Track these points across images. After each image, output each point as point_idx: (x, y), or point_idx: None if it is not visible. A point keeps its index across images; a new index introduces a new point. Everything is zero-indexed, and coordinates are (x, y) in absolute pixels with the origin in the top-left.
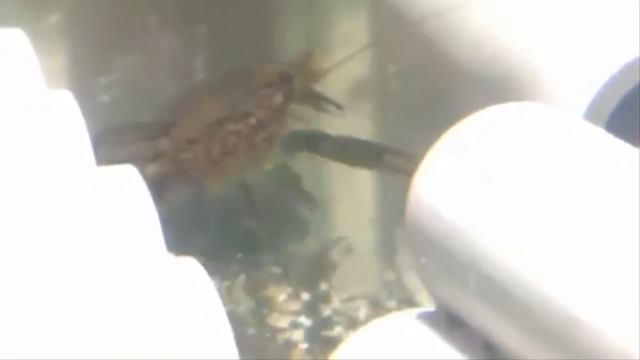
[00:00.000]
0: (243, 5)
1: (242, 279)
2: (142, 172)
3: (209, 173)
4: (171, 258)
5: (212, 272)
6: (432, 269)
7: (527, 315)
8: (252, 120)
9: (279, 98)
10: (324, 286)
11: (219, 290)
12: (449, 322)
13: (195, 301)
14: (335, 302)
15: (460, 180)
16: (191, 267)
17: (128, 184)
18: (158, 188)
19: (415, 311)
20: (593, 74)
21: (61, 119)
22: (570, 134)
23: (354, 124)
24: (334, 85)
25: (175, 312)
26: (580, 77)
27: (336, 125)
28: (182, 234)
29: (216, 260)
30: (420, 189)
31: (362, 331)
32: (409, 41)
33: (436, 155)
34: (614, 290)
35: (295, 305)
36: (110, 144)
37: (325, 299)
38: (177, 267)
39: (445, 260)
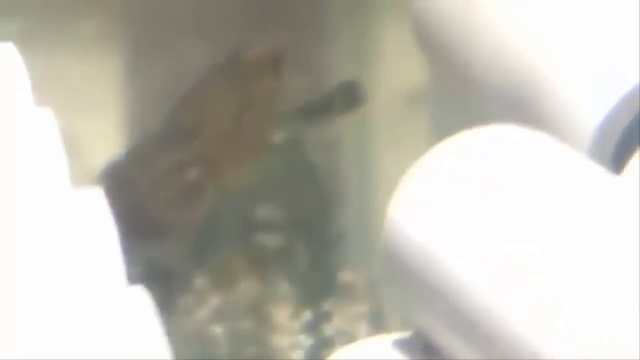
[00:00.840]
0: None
1: (244, 296)
2: (182, 180)
3: (233, 167)
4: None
5: (214, 286)
6: (406, 295)
7: (492, 348)
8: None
9: (274, 78)
10: (326, 305)
11: (221, 307)
12: (424, 349)
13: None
14: (337, 322)
15: (432, 206)
16: (138, 297)
17: (92, 208)
18: (202, 191)
19: (391, 336)
20: (606, 92)
21: (38, 137)
22: (545, 159)
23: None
24: (386, 94)
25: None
26: (592, 94)
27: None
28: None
29: (220, 276)
30: (394, 215)
31: (333, 357)
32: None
33: (410, 180)
34: (578, 328)
35: (296, 324)
36: (141, 161)
37: (327, 317)
38: (125, 296)
39: (418, 288)
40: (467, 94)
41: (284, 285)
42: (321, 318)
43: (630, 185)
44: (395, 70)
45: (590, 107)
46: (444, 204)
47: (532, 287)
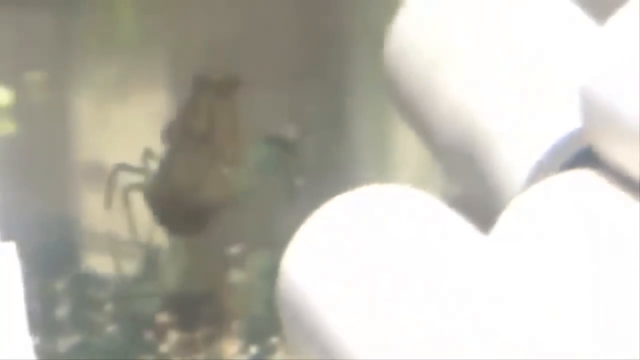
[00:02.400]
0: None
1: (201, 331)
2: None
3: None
4: None
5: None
6: (298, 342)
7: None
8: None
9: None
10: (274, 339)
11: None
12: None
13: None
14: (279, 355)
15: (320, 261)
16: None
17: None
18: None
19: None
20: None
21: None
22: (419, 218)
23: None
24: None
25: None
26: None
27: None
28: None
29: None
30: (287, 266)
31: None
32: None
33: (304, 234)
34: None
35: (242, 358)
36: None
37: (271, 351)
38: None
39: (299, 332)
40: (429, 146)
41: (235, 322)
42: (267, 351)
43: (491, 246)
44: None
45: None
46: (330, 259)
47: (383, 334)
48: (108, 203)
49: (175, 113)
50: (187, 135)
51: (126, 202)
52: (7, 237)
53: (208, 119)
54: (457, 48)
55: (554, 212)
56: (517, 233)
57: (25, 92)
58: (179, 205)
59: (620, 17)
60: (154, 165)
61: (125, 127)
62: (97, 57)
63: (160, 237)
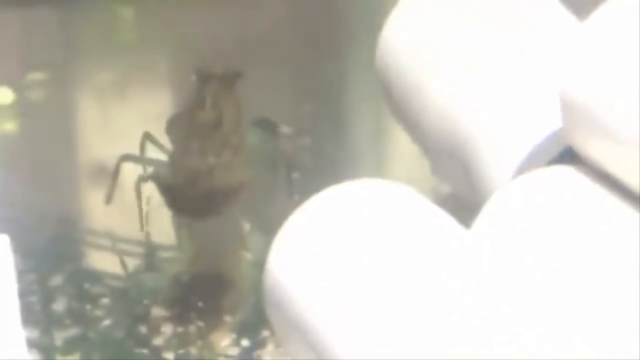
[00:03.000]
0: None
1: (194, 325)
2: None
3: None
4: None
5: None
6: (284, 336)
7: None
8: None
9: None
10: (265, 332)
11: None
12: None
13: None
14: (270, 348)
15: (302, 257)
16: None
17: None
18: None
19: None
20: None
21: None
22: (399, 212)
23: None
24: None
25: None
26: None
27: None
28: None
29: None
30: (271, 262)
31: None
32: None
33: (287, 231)
34: None
35: (234, 351)
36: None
37: (263, 344)
38: None
39: (292, 333)
40: (419, 145)
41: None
42: (258, 345)
43: (470, 239)
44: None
45: (506, 170)
46: (313, 254)
47: (364, 328)
48: (111, 193)
49: (181, 105)
50: (194, 125)
51: (138, 193)
52: (8, 233)
53: (214, 109)
54: (444, 53)
55: (530, 206)
56: (495, 226)
57: (27, 91)
58: (195, 190)
59: (596, 18)
60: (155, 155)
61: (126, 125)
62: (98, 57)
63: (163, 228)
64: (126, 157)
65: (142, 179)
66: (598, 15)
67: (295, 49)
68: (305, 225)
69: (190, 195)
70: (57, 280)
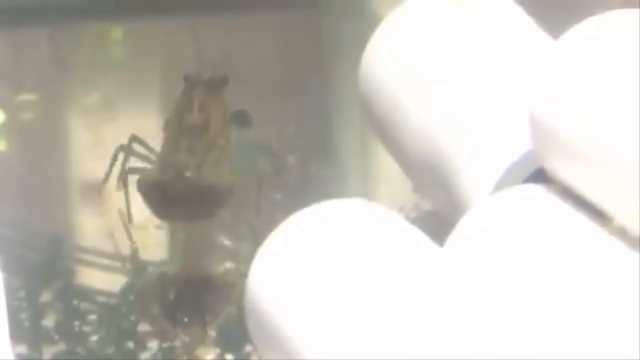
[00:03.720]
0: None
1: (179, 340)
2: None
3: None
4: None
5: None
6: (265, 352)
7: None
8: None
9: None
10: (249, 347)
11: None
12: None
13: None
14: None
15: (281, 275)
16: None
17: None
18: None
19: None
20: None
21: None
22: (375, 232)
23: None
24: None
25: None
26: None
27: None
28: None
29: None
30: (251, 280)
31: None
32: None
33: (266, 248)
34: None
35: None
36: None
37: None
38: None
39: (272, 350)
40: (400, 164)
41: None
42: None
43: (442, 259)
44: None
45: (482, 189)
46: (284, 270)
47: (340, 346)
48: (106, 180)
49: (170, 109)
50: (183, 127)
51: (125, 184)
52: None
53: (201, 112)
54: (423, 73)
55: (501, 226)
56: (465, 247)
57: (18, 112)
58: (185, 187)
59: (567, 39)
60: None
61: (116, 144)
62: (88, 76)
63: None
64: (122, 148)
65: (128, 172)
66: (569, 36)
67: (281, 68)
68: (283, 244)
69: (180, 192)
70: (46, 296)
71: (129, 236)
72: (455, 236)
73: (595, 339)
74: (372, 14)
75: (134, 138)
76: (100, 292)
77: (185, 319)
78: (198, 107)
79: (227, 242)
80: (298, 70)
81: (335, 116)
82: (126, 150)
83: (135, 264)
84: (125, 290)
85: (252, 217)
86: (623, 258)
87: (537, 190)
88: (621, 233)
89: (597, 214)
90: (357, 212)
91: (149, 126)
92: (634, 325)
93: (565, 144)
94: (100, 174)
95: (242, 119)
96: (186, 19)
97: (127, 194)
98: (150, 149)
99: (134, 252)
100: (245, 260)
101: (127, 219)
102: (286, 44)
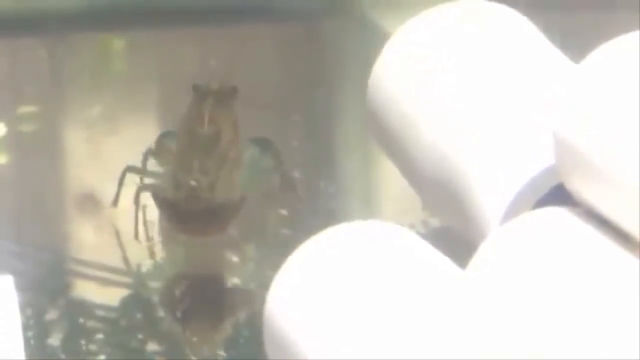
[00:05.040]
0: None
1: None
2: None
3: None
4: None
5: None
6: None
7: None
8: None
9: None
10: None
11: None
12: None
13: None
14: None
15: (299, 300)
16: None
17: None
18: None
19: None
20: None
21: None
22: (396, 255)
23: None
24: None
25: None
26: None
27: None
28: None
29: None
30: (269, 306)
31: None
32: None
33: (284, 273)
34: None
35: None
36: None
37: None
38: None
39: None
40: (410, 180)
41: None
42: None
43: (466, 284)
44: None
45: (497, 206)
46: (312, 294)
47: None
48: (117, 199)
49: (178, 121)
50: (193, 141)
51: (137, 202)
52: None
53: (211, 124)
54: (435, 88)
55: (526, 250)
56: (491, 271)
57: (17, 124)
58: (198, 206)
59: (593, 61)
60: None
61: (117, 157)
62: (88, 88)
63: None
64: (130, 169)
65: (141, 189)
66: (595, 57)
67: (286, 83)
68: (303, 266)
69: (193, 211)
70: (52, 314)
71: (137, 236)
72: (479, 259)
73: None
74: (374, 25)
75: (130, 169)
76: (105, 307)
77: (194, 328)
78: (209, 119)
79: (234, 253)
80: (300, 86)
81: (340, 131)
82: (140, 171)
83: (138, 279)
84: (129, 304)
85: (259, 228)
86: None
87: (561, 213)
88: None
89: (623, 237)
90: (377, 234)
91: (149, 138)
92: None
93: (590, 166)
94: (101, 186)
95: (264, 145)
96: (187, 29)
97: (137, 210)
98: (162, 161)
99: (138, 267)
100: (252, 272)
101: (135, 234)
102: (290, 57)
